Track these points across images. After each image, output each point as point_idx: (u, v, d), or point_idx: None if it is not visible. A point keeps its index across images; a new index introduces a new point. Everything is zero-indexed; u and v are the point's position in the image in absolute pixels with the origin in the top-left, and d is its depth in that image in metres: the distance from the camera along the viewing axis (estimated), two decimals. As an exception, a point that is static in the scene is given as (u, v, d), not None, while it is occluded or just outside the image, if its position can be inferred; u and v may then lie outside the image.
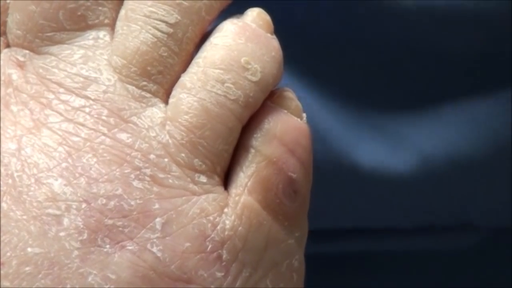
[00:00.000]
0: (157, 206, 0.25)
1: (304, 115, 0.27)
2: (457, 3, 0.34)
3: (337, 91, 0.36)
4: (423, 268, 0.40)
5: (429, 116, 0.36)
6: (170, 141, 0.25)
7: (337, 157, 0.36)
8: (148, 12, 0.26)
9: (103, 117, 0.25)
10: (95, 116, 0.25)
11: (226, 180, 0.26)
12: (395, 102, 0.36)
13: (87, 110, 0.25)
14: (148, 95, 0.26)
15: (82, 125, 0.25)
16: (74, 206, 0.24)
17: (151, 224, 0.24)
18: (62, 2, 0.26)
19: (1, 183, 0.24)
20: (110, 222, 0.24)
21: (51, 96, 0.25)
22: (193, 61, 0.26)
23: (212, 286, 0.25)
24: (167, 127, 0.25)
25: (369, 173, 0.36)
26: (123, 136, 0.25)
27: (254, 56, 0.26)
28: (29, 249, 0.24)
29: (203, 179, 0.25)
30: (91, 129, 0.25)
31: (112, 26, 0.26)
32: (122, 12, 0.26)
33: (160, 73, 0.26)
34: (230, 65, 0.26)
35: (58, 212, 0.24)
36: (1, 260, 0.24)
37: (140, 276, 0.24)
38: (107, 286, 0.24)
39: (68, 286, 0.24)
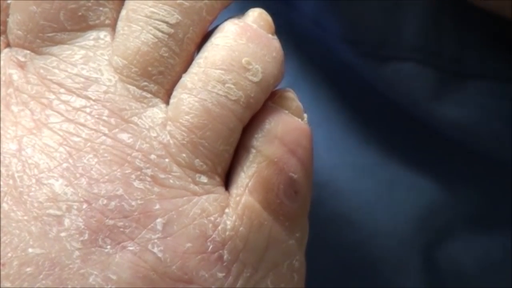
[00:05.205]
0: (158, 206, 0.25)
1: (305, 115, 0.27)
2: None
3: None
4: None
5: None
6: (171, 141, 0.25)
7: None
8: (149, 13, 0.26)
9: (104, 118, 0.25)
10: (96, 116, 0.25)
11: (227, 180, 0.26)
12: None
13: (88, 110, 0.25)
14: (149, 95, 0.26)
15: (83, 125, 0.25)
16: (75, 207, 0.24)
17: (152, 224, 0.24)
18: (63, 3, 0.26)
19: (2, 183, 0.24)
20: (111, 222, 0.24)
21: (52, 96, 0.25)
22: (194, 62, 0.26)
23: (213, 287, 0.25)
24: (168, 128, 0.25)
25: None
26: (124, 136, 0.25)
27: (255, 57, 0.26)
28: (30, 250, 0.24)
29: (204, 179, 0.25)
30: (92, 129, 0.25)
31: (113, 27, 0.26)
32: (123, 12, 0.26)
33: (161, 73, 0.26)
34: (231, 65, 0.26)
35: (59, 213, 0.24)
36: (2, 261, 0.24)
37: (141, 277, 0.24)
38: (108, 287, 0.24)
39: (69, 286, 0.24)
